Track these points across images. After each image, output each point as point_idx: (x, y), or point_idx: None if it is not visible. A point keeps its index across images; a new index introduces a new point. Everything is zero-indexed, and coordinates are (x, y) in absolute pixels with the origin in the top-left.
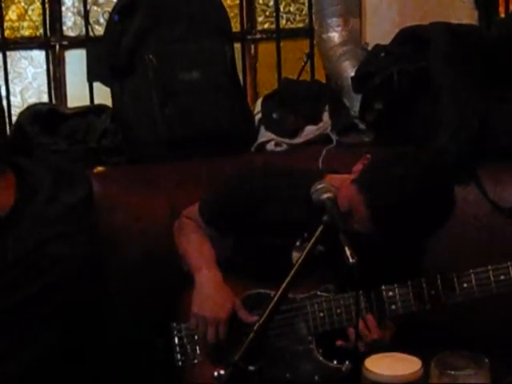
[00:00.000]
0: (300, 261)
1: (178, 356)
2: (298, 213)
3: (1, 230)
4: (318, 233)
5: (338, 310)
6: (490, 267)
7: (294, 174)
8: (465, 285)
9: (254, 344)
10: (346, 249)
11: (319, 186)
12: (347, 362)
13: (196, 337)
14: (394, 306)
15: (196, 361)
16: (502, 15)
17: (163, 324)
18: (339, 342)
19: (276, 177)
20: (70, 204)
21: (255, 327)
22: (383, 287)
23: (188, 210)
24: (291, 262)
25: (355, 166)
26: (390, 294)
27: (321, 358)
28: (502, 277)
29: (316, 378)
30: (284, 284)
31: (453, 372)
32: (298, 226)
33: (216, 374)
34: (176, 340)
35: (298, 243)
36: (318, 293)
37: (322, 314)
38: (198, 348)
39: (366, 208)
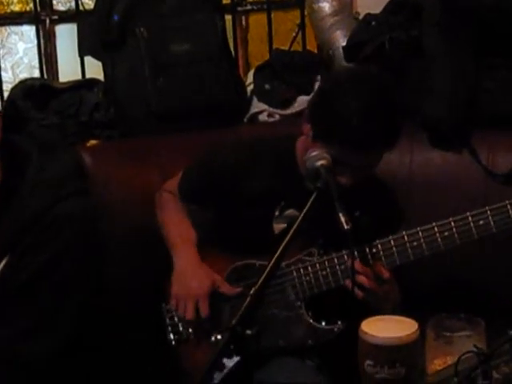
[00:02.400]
0: (295, 227)
1: (171, 336)
2: (272, 182)
3: None
4: (312, 200)
5: (324, 272)
6: (468, 213)
7: (265, 144)
8: (446, 233)
9: (251, 308)
10: (341, 215)
11: (313, 154)
12: (339, 323)
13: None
14: (390, 258)
15: (189, 338)
16: None
17: (155, 302)
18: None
19: (247, 149)
20: (62, 170)
21: (252, 291)
22: (377, 241)
23: (168, 184)
24: (272, 232)
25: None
26: (385, 246)
27: (312, 322)
28: (481, 222)
29: (309, 341)
30: (281, 248)
31: (448, 334)
32: (274, 195)
33: (213, 338)
34: (167, 320)
35: (277, 213)
36: (303, 257)
37: (308, 278)
38: (189, 326)
39: (335, 141)
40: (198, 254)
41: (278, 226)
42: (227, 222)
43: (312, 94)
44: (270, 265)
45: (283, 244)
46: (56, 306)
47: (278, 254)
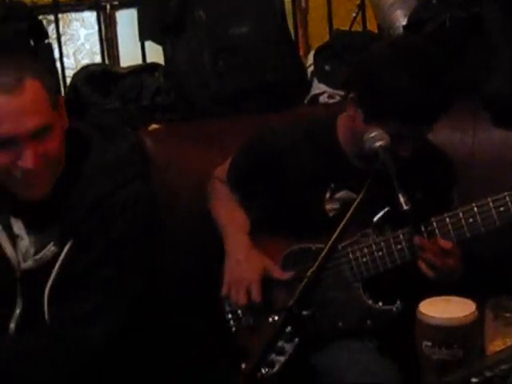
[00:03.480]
0: (352, 209)
1: (231, 322)
2: (318, 164)
3: (61, 188)
4: (370, 181)
5: (380, 253)
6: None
7: (309, 126)
8: (501, 208)
9: (307, 290)
10: (400, 196)
11: (372, 135)
12: (398, 303)
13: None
14: (447, 236)
15: (249, 324)
16: None
17: (215, 288)
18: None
19: (289, 132)
20: (123, 155)
21: (308, 273)
22: (432, 219)
23: (218, 170)
24: (325, 214)
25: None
26: (441, 223)
27: (370, 302)
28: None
29: (368, 322)
30: (337, 231)
31: (508, 314)
32: (322, 177)
33: (270, 319)
34: (227, 307)
35: (327, 195)
36: (358, 239)
37: (364, 260)
38: (247, 312)
39: (393, 119)
40: (251, 240)
41: (331, 208)
42: (278, 207)
43: (354, 75)
44: (327, 247)
45: (340, 227)
46: (116, 289)
47: (334, 236)
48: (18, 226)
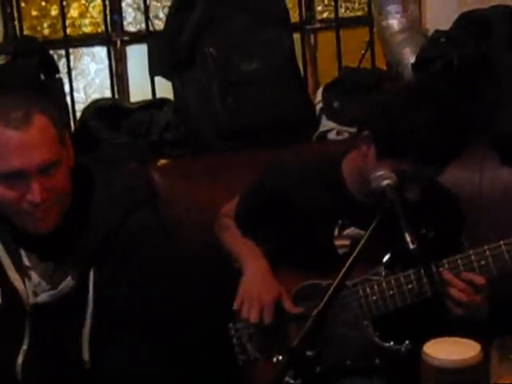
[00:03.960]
0: (360, 247)
1: (239, 356)
2: (325, 201)
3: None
4: (377, 220)
5: (391, 292)
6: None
7: (316, 163)
8: (482, 262)
9: (312, 330)
10: (407, 235)
11: (379, 174)
12: (407, 342)
13: (252, 329)
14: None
15: (256, 358)
16: None
17: (222, 321)
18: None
19: (300, 168)
20: (127, 184)
21: (314, 313)
22: (444, 260)
23: (226, 208)
24: (334, 251)
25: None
26: (452, 264)
27: (379, 341)
28: None
29: (377, 361)
30: (344, 269)
31: None
32: (329, 213)
33: (275, 359)
34: (235, 340)
35: (336, 232)
36: (369, 277)
37: (375, 298)
38: (257, 344)
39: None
40: (268, 265)
41: (341, 244)
42: (289, 243)
43: (369, 113)
44: (333, 286)
45: (347, 265)
46: (160, 319)
47: (340, 275)
48: (28, 259)
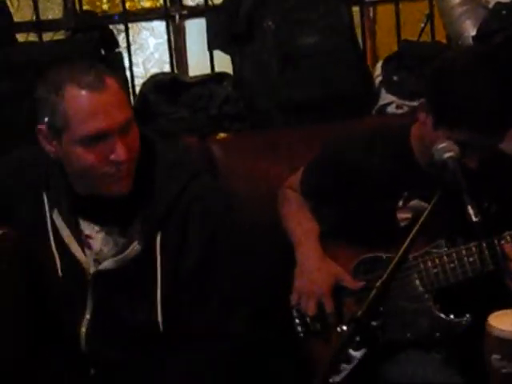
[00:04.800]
0: (422, 220)
1: (299, 328)
2: (392, 172)
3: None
4: (439, 193)
5: (452, 265)
6: None
7: (380, 134)
8: None
9: (376, 300)
10: (470, 207)
11: (441, 146)
12: (467, 315)
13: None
14: None
15: (317, 330)
16: None
17: (282, 294)
18: None
19: (363, 141)
20: (183, 154)
21: (377, 283)
22: (506, 232)
23: (290, 180)
24: (397, 223)
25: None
26: None
27: (440, 314)
28: None
29: (437, 334)
30: (407, 241)
31: None
32: (395, 185)
33: (339, 329)
34: (295, 312)
35: (400, 203)
36: (430, 250)
37: (436, 271)
38: (315, 320)
39: (464, 126)
40: (321, 248)
41: (403, 217)
42: (351, 216)
43: (427, 80)
44: (397, 258)
45: (409, 237)
46: (235, 281)
47: (404, 247)
48: (88, 227)
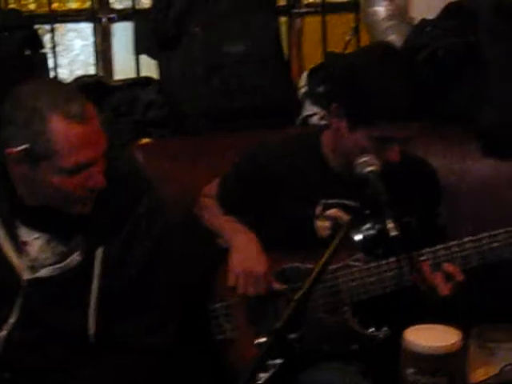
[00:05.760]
0: (341, 233)
1: (217, 335)
2: (310, 180)
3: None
4: (359, 207)
5: (371, 279)
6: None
7: (296, 143)
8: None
9: (295, 313)
10: (389, 222)
11: (363, 159)
12: (385, 328)
13: (231, 309)
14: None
15: (234, 337)
16: None
17: (200, 304)
18: None
19: (281, 150)
20: (130, 167)
21: (297, 296)
22: (426, 249)
23: (208, 188)
24: (315, 232)
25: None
26: (434, 254)
27: (357, 327)
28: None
29: (354, 346)
30: (327, 254)
31: (491, 344)
32: (311, 192)
33: (257, 341)
34: (212, 320)
35: (317, 211)
36: (350, 263)
37: (355, 284)
38: (235, 323)
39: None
40: (257, 238)
41: (322, 225)
42: (270, 225)
43: (335, 85)
44: (316, 271)
45: (329, 251)
46: (170, 295)
47: (323, 260)
48: (26, 233)
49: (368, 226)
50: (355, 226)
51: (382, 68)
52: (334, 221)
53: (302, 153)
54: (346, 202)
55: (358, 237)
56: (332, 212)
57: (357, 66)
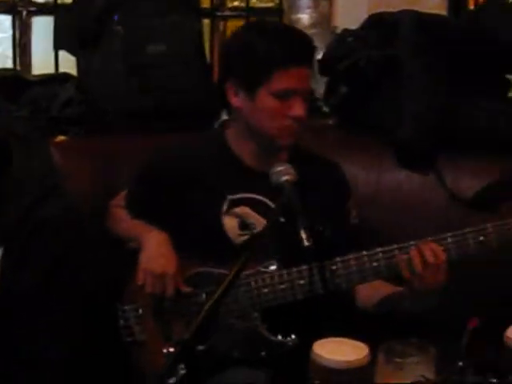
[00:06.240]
0: (255, 243)
1: (125, 337)
2: (216, 176)
3: None
4: (273, 216)
5: (282, 286)
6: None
7: (199, 141)
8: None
9: (205, 323)
10: (302, 232)
11: (278, 169)
12: (293, 337)
13: (141, 311)
14: (348, 277)
15: (143, 340)
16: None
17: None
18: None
19: (183, 150)
20: (40, 168)
21: (206, 307)
22: (338, 258)
23: (117, 199)
24: (224, 230)
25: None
26: (345, 264)
27: (266, 334)
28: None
29: (263, 353)
30: (239, 263)
31: (398, 359)
32: (219, 190)
33: (165, 351)
34: (121, 321)
35: (224, 207)
36: (262, 269)
37: (266, 290)
38: (144, 326)
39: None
40: (168, 237)
41: (229, 223)
42: (180, 225)
43: (224, 61)
44: (227, 281)
45: (240, 261)
46: (72, 306)
47: (233, 272)
48: None
49: (281, 233)
50: (269, 234)
51: (259, 31)
52: (241, 219)
53: (208, 149)
54: (254, 196)
55: (272, 244)
56: (239, 209)
57: (236, 38)
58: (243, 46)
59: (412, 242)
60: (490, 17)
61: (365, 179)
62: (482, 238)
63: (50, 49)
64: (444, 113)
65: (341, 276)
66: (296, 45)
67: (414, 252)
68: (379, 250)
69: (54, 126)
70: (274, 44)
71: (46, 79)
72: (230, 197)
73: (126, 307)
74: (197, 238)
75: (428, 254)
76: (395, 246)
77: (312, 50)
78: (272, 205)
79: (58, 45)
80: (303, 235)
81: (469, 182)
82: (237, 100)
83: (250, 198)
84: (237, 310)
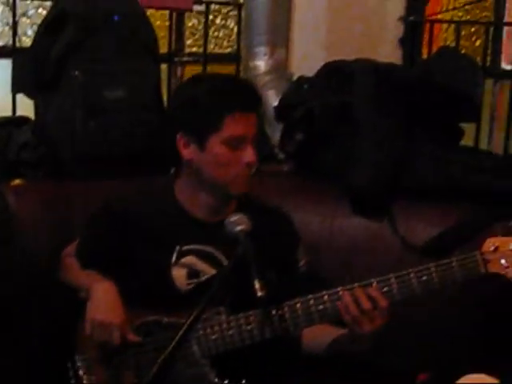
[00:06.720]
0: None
1: (72, 381)
2: (164, 227)
3: None
4: (228, 266)
5: (230, 332)
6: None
7: (149, 189)
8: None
9: (159, 374)
10: (256, 282)
11: (233, 219)
12: (243, 382)
13: (90, 361)
14: (295, 320)
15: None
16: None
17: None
18: None
19: (133, 198)
20: None
21: (160, 359)
22: (285, 303)
23: (69, 249)
24: (172, 281)
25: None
26: (292, 308)
27: (216, 380)
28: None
29: None
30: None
31: None
32: (168, 240)
33: None
34: (71, 372)
35: (173, 258)
36: (210, 316)
37: (214, 337)
38: (94, 377)
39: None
40: (116, 287)
41: (178, 274)
42: (128, 275)
43: (170, 116)
44: (179, 335)
45: (194, 314)
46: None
47: (186, 325)
48: None
49: (230, 280)
50: (219, 282)
51: (200, 86)
52: (189, 268)
53: (157, 200)
54: (203, 247)
55: (219, 290)
56: (187, 260)
57: (179, 91)
58: (188, 99)
59: (355, 284)
60: (443, 66)
61: (319, 225)
62: (425, 278)
63: (7, 92)
64: (399, 161)
65: (288, 320)
66: (240, 91)
67: (347, 298)
68: (325, 292)
69: (10, 170)
70: (219, 92)
71: (2, 122)
72: (179, 248)
73: (76, 357)
74: (145, 287)
75: (363, 300)
76: (339, 288)
77: (257, 95)
78: (220, 255)
79: (15, 88)
80: (257, 285)
81: (422, 230)
82: (188, 152)
83: (198, 250)
84: (185, 357)
